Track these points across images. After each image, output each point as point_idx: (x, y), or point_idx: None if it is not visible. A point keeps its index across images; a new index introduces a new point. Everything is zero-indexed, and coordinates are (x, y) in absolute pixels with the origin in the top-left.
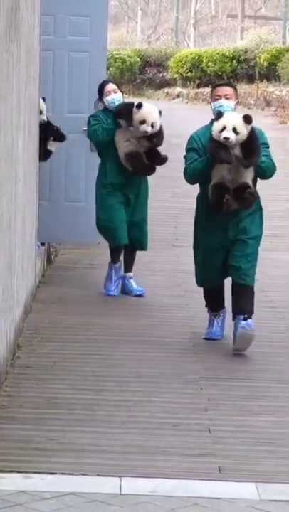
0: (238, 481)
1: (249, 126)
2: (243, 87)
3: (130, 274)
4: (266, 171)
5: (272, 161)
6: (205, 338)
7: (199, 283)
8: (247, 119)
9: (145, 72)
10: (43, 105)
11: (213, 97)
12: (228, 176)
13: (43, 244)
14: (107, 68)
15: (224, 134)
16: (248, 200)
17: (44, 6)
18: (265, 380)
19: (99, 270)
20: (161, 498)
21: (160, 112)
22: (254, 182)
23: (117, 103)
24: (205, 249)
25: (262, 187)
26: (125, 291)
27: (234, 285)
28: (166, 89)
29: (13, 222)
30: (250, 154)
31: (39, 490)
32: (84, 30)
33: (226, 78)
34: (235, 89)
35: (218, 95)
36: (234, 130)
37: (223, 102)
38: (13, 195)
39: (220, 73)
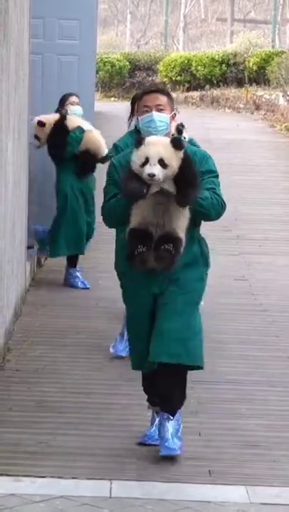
0: (229, 484)
1: (181, 153)
2: (232, 91)
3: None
4: (209, 211)
5: (220, 196)
6: (140, 443)
7: (132, 365)
8: (176, 144)
9: (134, 76)
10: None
11: (141, 109)
12: (152, 218)
13: (31, 247)
14: (96, 72)
15: (147, 169)
16: (163, 260)
17: (33, 9)
18: (255, 383)
19: (89, 274)
20: (151, 502)
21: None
22: (195, 224)
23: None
24: (131, 315)
25: (252, 190)
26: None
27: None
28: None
29: (3, 226)
30: (183, 189)
31: (29, 493)
32: (73, 34)
33: (215, 82)
34: (170, 97)
35: (148, 106)
36: (161, 163)
37: (154, 115)
38: (3, 199)
39: (209, 77)
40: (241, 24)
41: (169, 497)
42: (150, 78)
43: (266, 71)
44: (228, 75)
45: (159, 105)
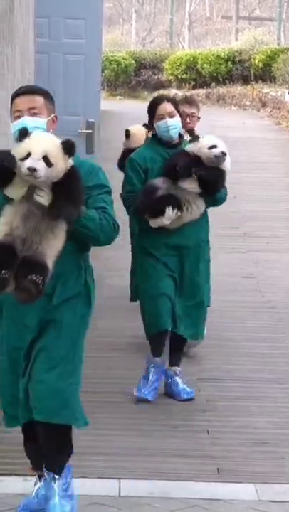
0: (237, 482)
1: (70, 160)
2: (238, 89)
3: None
4: (97, 234)
5: (112, 216)
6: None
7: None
8: (67, 148)
9: (140, 74)
10: None
11: (13, 113)
12: (22, 231)
13: None
14: (102, 70)
15: (27, 163)
16: (26, 292)
17: (39, 9)
18: (263, 380)
19: (101, 273)
20: (160, 500)
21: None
22: (82, 250)
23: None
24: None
25: (259, 188)
26: (168, 391)
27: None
28: (161, 91)
29: None
30: (59, 200)
31: None
32: (79, 33)
33: (221, 80)
34: (50, 99)
35: (19, 110)
36: (45, 159)
37: (26, 118)
38: None
39: (215, 74)
40: (246, 22)
41: (177, 495)
42: (156, 76)
43: (272, 68)
44: (234, 72)
45: (33, 108)
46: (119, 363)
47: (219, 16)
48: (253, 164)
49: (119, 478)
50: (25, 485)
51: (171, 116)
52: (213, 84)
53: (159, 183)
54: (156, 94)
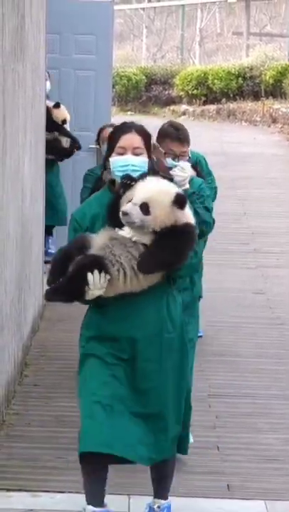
0: (247, 498)
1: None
2: (249, 104)
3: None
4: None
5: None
6: None
7: None
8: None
9: (151, 90)
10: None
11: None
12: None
13: (48, 262)
14: (113, 86)
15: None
16: None
17: (49, 25)
18: (272, 397)
19: None
20: None
21: None
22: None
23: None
24: None
25: (269, 203)
26: None
27: None
28: (172, 107)
29: (20, 241)
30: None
31: (48, 509)
32: (89, 49)
33: (231, 95)
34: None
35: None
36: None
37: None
38: (20, 215)
39: (226, 90)
40: (257, 38)
41: (187, 511)
42: (166, 92)
43: (283, 84)
44: (245, 88)
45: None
46: None
47: (230, 31)
48: (263, 180)
49: (129, 494)
50: (34, 501)
51: (136, 153)
52: (224, 100)
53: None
54: (166, 109)
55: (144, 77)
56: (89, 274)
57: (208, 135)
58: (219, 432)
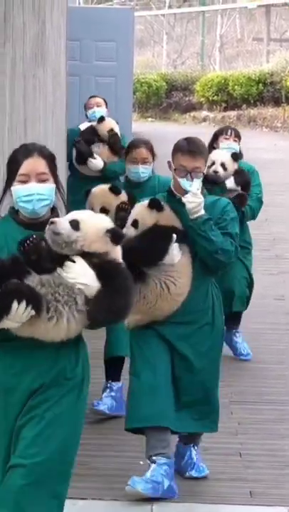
0: (270, 505)
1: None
2: (269, 110)
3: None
4: None
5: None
6: None
7: None
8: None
9: (171, 96)
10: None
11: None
12: None
13: None
14: (133, 92)
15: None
16: None
17: (70, 32)
18: None
19: None
20: None
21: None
22: None
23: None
24: None
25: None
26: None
27: None
28: (192, 113)
29: None
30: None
31: None
32: (110, 55)
33: (252, 101)
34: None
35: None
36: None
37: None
38: None
39: (246, 96)
40: (277, 43)
41: None
42: (187, 98)
43: None
44: (265, 94)
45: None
46: None
47: (250, 37)
48: (284, 186)
49: (152, 501)
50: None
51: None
52: (244, 106)
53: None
54: (187, 116)
55: (164, 84)
56: (14, 302)
57: None
58: (241, 439)
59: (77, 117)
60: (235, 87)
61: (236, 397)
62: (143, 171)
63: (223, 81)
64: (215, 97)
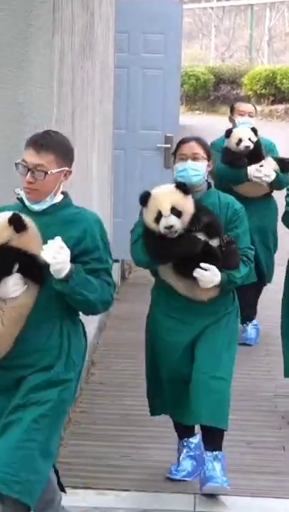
0: None
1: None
2: None
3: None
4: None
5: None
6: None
7: None
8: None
9: (219, 89)
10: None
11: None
12: None
13: (116, 261)
14: (181, 85)
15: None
16: None
17: (118, 24)
18: None
19: None
20: None
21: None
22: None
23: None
24: None
25: None
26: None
27: None
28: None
29: None
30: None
31: (112, 507)
32: (158, 48)
33: None
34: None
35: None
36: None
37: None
38: None
39: None
40: None
41: (253, 511)
42: (235, 91)
43: None
44: None
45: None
46: None
47: None
48: None
49: (195, 493)
50: (99, 499)
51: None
52: None
53: None
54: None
55: (212, 77)
56: None
57: (275, 135)
58: (285, 433)
59: (124, 109)
60: (283, 80)
61: (280, 390)
62: (193, 167)
63: (271, 74)
64: (263, 91)
